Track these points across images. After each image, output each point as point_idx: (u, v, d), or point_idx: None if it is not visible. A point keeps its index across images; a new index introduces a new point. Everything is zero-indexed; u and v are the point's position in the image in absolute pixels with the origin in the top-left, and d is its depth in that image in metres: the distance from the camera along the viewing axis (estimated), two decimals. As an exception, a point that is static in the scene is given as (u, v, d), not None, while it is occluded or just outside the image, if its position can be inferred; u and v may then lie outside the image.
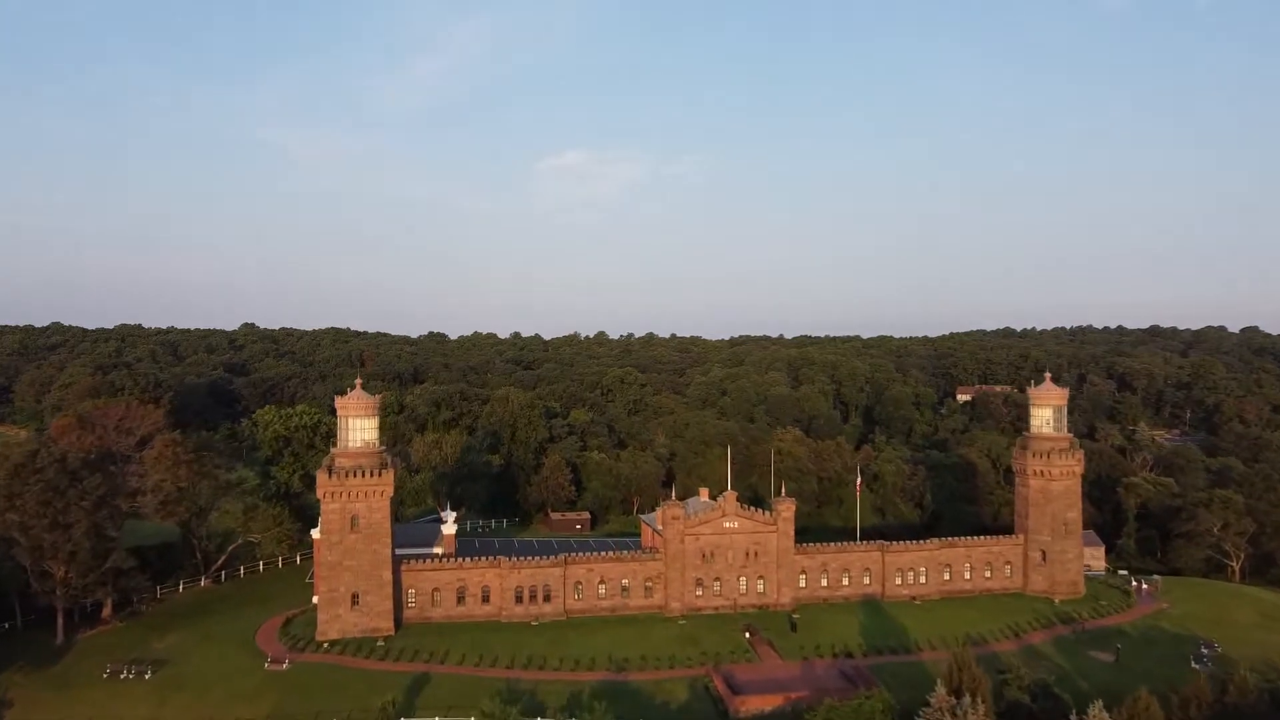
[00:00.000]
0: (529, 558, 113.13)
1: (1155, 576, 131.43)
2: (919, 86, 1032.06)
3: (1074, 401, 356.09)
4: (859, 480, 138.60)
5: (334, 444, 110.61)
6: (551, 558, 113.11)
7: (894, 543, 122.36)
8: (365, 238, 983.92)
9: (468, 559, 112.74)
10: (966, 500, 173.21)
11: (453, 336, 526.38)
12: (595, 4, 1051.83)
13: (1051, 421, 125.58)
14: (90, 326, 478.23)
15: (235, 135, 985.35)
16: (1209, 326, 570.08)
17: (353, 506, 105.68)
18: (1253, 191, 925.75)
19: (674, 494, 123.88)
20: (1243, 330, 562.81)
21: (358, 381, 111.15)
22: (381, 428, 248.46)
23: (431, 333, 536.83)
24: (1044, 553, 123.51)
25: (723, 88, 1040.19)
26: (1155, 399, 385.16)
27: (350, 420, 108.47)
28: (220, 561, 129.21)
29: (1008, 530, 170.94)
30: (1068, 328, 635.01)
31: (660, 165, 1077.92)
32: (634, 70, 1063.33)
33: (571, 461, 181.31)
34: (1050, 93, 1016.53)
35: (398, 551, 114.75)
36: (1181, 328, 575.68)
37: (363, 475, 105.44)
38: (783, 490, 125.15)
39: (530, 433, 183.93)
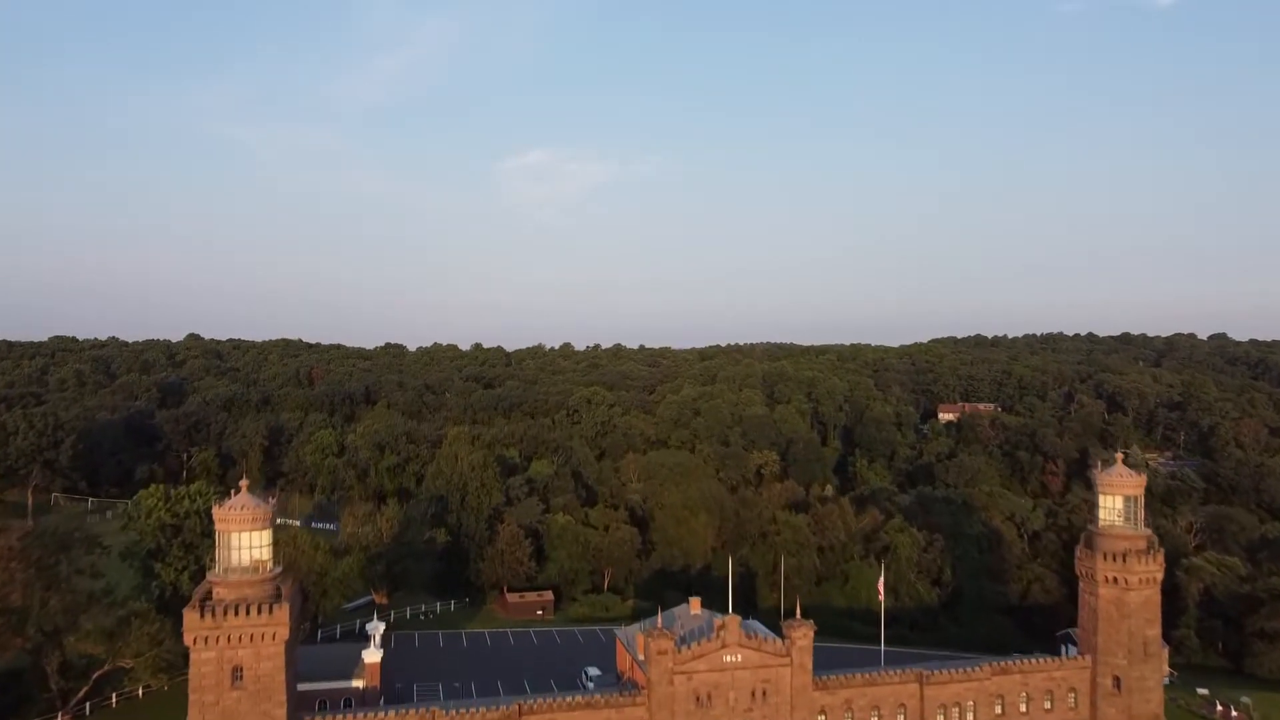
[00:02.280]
0: (470, 709, 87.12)
1: (1245, 699, 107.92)
2: (883, 86, 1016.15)
3: (1063, 423, 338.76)
4: (880, 581, 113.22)
5: (210, 564, 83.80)
6: (500, 708, 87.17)
7: (935, 671, 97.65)
8: (323, 240, 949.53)
9: (392, 710, 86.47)
10: (991, 576, 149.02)
11: (411, 348, 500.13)
12: (558, 4, 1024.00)
13: (1123, 513, 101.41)
14: (18, 339, 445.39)
15: (192, 132, 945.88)
16: (1178, 334, 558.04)
17: (234, 654, 78.82)
18: (1220, 195, 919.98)
19: (659, 610, 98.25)
20: (1211, 337, 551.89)
21: (243, 483, 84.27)
22: (320, 470, 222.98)
23: (389, 344, 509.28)
24: (1118, 679, 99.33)
25: (689, 87, 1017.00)
26: (1147, 420, 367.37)
27: (233, 536, 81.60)
28: (83, 692, 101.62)
29: (1041, 612, 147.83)
30: (1039, 334, 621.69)
31: (625, 165, 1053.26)
32: (598, 69, 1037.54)
33: (532, 528, 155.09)
34: (1014, 96, 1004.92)
35: (302, 688, 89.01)
36: (1151, 334, 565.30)
37: (248, 612, 78.63)
38: (795, 605, 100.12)
39: (483, 497, 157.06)
